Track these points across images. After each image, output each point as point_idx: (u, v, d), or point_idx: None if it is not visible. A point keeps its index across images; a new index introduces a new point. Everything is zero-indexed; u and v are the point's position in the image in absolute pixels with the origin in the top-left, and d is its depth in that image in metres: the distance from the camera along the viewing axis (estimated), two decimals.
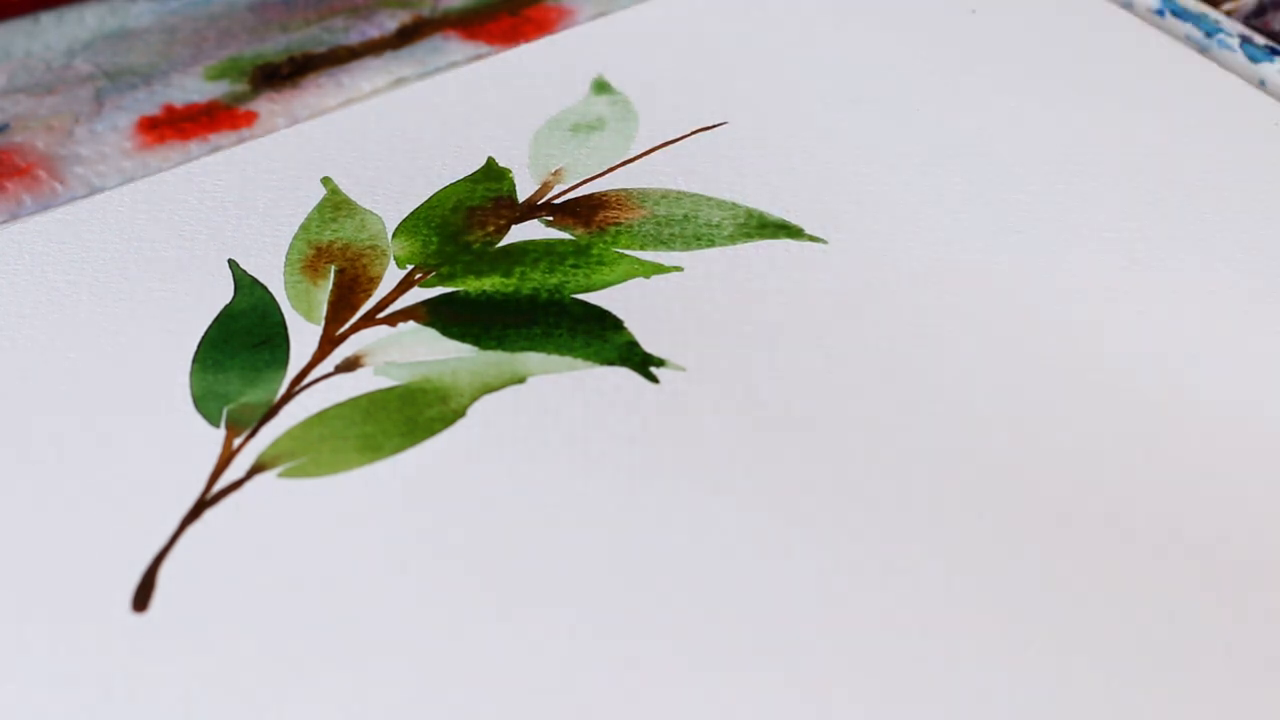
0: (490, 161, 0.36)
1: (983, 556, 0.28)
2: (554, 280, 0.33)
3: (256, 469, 0.30)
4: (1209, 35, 0.40)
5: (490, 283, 0.33)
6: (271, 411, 0.31)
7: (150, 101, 0.39)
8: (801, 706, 0.26)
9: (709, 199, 0.35)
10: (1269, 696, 0.26)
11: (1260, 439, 0.30)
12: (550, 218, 0.35)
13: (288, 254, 0.34)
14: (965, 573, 0.28)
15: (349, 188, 0.36)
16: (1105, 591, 0.27)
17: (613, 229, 0.34)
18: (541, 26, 0.41)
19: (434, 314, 0.33)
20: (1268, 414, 0.30)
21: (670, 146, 0.37)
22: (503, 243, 0.34)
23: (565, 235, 0.34)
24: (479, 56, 0.40)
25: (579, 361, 0.32)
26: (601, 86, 0.38)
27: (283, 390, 0.31)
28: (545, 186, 0.36)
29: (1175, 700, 0.26)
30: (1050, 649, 0.27)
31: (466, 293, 0.33)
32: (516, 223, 0.35)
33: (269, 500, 0.29)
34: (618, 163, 0.36)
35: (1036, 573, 0.28)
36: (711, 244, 0.34)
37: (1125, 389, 0.31)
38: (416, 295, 0.33)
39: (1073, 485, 0.29)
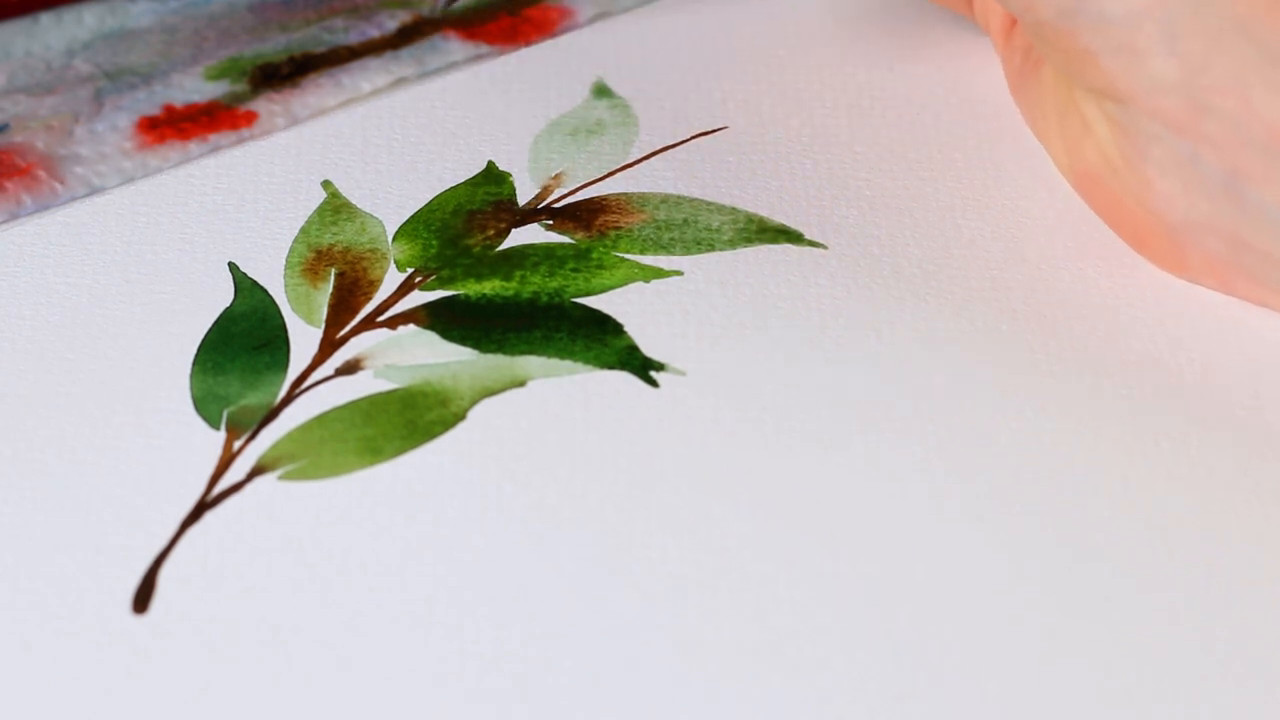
0: (490, 165, 0.36)
1: (984, 559, 0.28)
2: (554, 284, 0.33)
3: (257, 471, 0.30)
4: None
5: (490, 286, 0.33)
6: (272, 414, 0.31)
7: (150, 101, 0.39)
8: (801, 708, 0.26)
9: (709, 204, 0.35)
10: (1269, 697, 0.26)
11: (1259, 441, 0.30)
12: (550, 221, 0.35)
13: (288, 257, 0.34)
14: (967, 576, 0.28)
15: (349, 190, 0.36)
16: (1105, 595, 0.27)
17: (613, 233, 0.34)
18: (541, 27, 0.41)
19: (434, 317, 0.33)
20: (1268, 416, 0.30)
21: (670, 151, 0.37)
22: (503, 246, 0.34)
23: (565, 239, 0.34)
24: (479, 57, 0.40)
25: (579, 365, 0.32)
26: (601, 90, 0.38)
27: (283, 393, 0.31)
28: (545, 190, 0.36)
29: (1176, 701, 0.26)
30: (1051, 652, 0.27)
31: (467, 296, 0.33)
32: (516, 226, 0.35)
33: (269, 503, 0.29)
34: (618, 167, 0.36)
35: (1037, 578, 0.28)
36: (711, 249, 0.34)
37: (1126, 391, 0.31)
38: (417, 298, 0.33)
39: (1074, 487, 0.29)
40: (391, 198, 0.36)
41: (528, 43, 0.41)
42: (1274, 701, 0.26)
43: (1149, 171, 0.31)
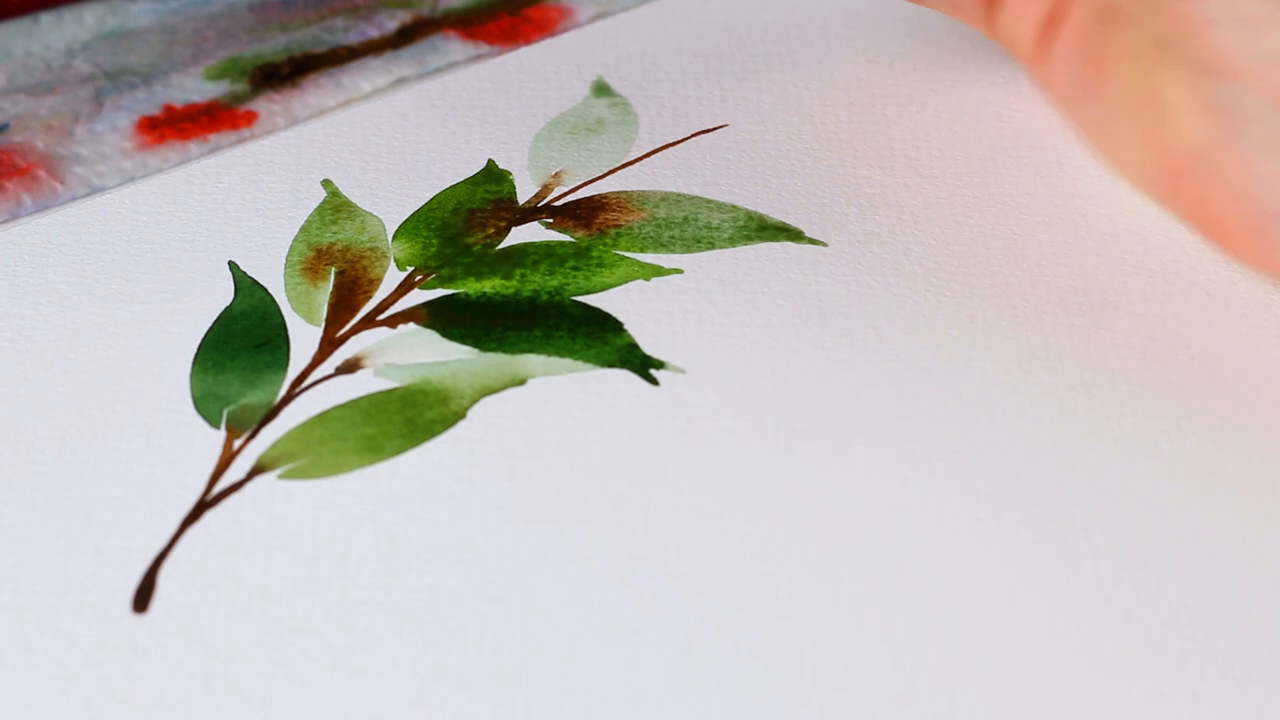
0: (490, 163, 0.36)
1: (984, 558, 0.28)
2: (554, 282, 0.33)
3: (257, 470, 0.30)
4: None
5: (490, 285, 0.33)
6: (272, 413, 0.31)
7: (150, 101, 0.39)
8: (801, 708, 0.26)
9: (709, 201, 0.35)
10: (1269, 697, 0.26)
11: (1259, 440, 0.30)
12: (550, 220, 0.35)
13: (288, 256, 0.34)
14: (967, 575, 0.28)
15: (349, 189, 0.36)
16: (1105, 593, 0.27)
17: (613, 231, 0.34)
18: (541, 27, 0.41)
19: (434, 316, 0.33)
20: (1268, 416, 0.30)
21: (671, 149, 0.37)
22: (503, 245, 0.34)
23: (565, 237, 0.34)
24: (479, 56, 0.40)
25: (579, 364, 0.32)
26: (601, 89, 0.38)
27: (283, 392, 0.31)
28: (545, 189, 0.36)
29: (1176, 702, 0.26)
30: (1051, 651, 0.27)
31: (467, 295, 0.33)
32: (516, 225, 0.35)
33: (269, 502, 0.29)
34: (618, 165, 0.36)
35: (1037, 575, 0.28)
36: (711, 246, 0.34)
37: (1126, 389, 0.31)
38: (417, 297, 0.33)
39: (1074, 485, 0.29)
40: (391, 196, 0.36)
41: (528, 42, 0.41)
42: (1274, 701, 0.26)
43: (1246, 153, 0.30)
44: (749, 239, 0.34)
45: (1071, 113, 0.33)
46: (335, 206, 0.36)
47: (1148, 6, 0.30)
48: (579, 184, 0.36)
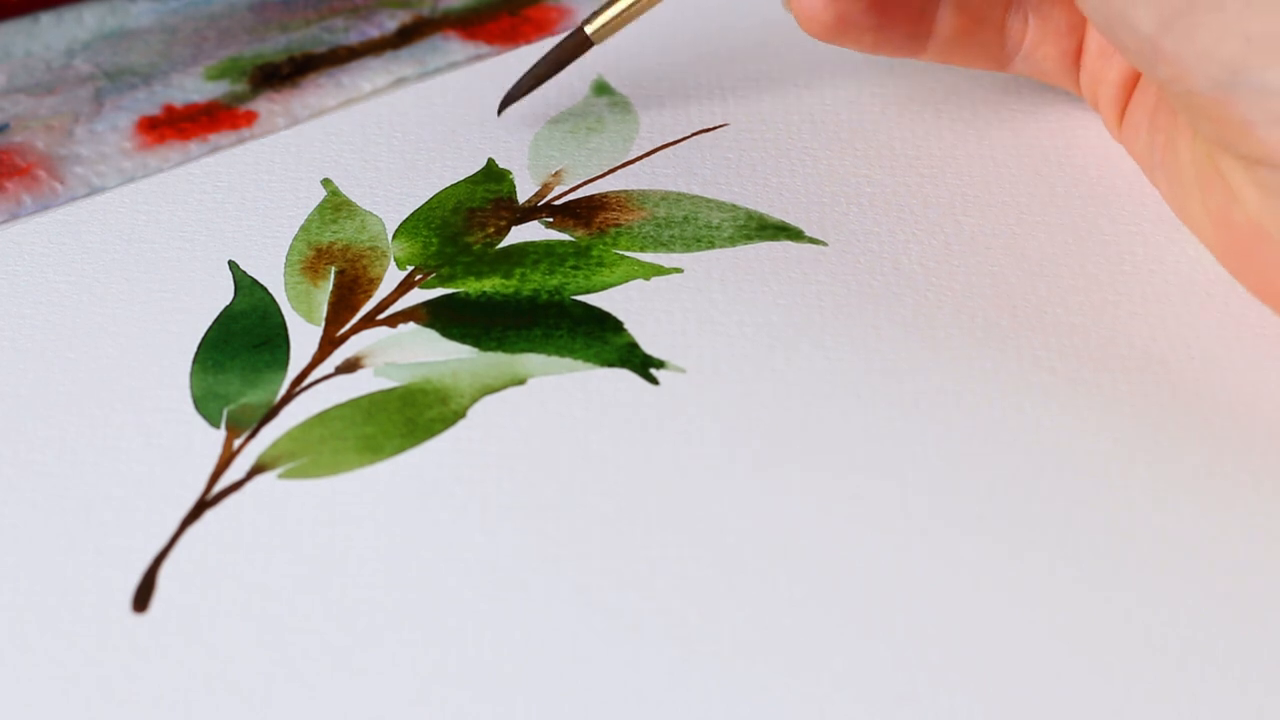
0: (490, 163, 0.36)
1: (983, 558, 0.28)
2: (554, 282, 0.33)
3: (256, 470, 0.30)
4: None
5: (490, 284, 0.33)
6: (272, 412, 0.31)
7: (150, 101, 0.39)
8: (801, 708, 0.26)
9: (709, 201, 0.35)
10: (1269, 698, 0.26)
11: (1259, 439, 0.30)
12: (550, 219, 0.35)
13: (288, 255, 0.34)
14: (966, 573, 0.28)
15: (349, 189, 0.36)
16: (1105, 593, 0.27)
17: (613, 230, 0.34)
18: (541, 27, 0.41)
19: (434, 315, 0.33)
20: (1268, 416, 0.30)
21: (671, 148, 0.37)
22: (503, 244, 0.34)
23: (565, 237, 0.34)
24: (479, 56, 0.40)
25: (579, 363, 0.32)
26: (602, 88, 0.38)
27: (283, 391, 0.31)
28: (545, 188, 0.36)
29: (1177, 702, 0.26)
30: (1051, 651, 0.27)
31: (467, 294, 0.33)
32: (516, 224, 0.35)
33: (269, 501, 0.29)
34: (618, 164, 0.36)
35: (1037, 574, 0.28)
36: (711, 246, 0.34)
37: (1126, 388, 0.31)
38: (417, 296, 0.33)
39: (1073, 486, 0.29)
40: (391, 196, 0.36)
41: (528, 42, 0.41)
42: (1274, 702, 0.26)
43: None
44: (749, 238, 0.34)
45: (1149, 175, 0.33)
46: (335, 206, 0.36)
47: (1193, 112, 0.29)
48: (579, 183, 0.36)
